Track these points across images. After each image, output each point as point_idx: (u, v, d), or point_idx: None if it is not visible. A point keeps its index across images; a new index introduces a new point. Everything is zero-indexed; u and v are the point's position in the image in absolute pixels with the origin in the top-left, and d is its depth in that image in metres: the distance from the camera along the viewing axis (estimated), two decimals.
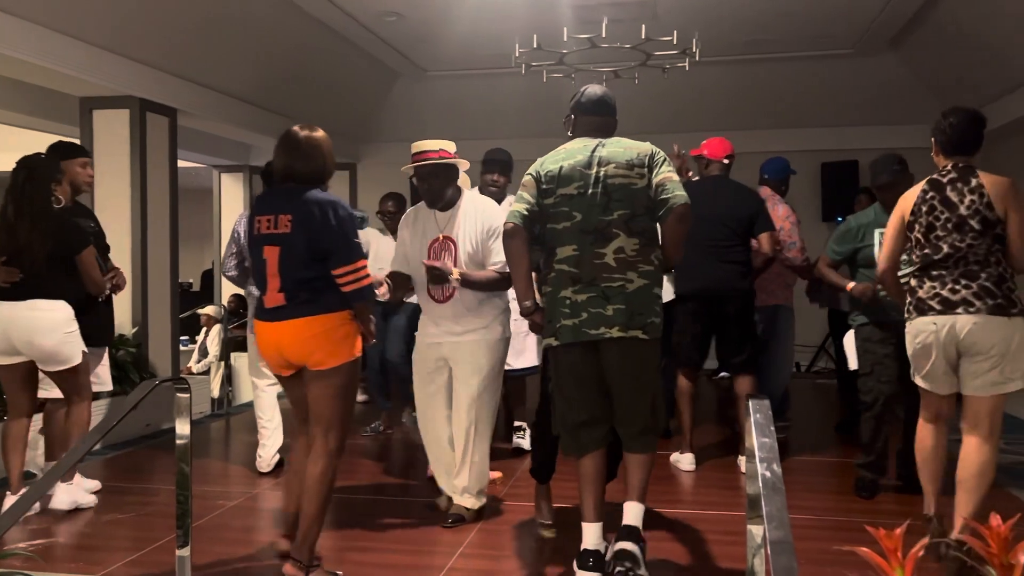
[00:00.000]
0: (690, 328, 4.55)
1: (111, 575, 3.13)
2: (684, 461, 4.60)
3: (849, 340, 4.19)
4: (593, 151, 3.05)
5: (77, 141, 5.87)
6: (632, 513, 3.01)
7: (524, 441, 4.87)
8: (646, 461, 3.06)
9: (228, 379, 7.86)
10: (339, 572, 3.05)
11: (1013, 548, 1.65)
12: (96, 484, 4.20)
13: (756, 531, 2.03)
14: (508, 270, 3.24)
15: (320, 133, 3.07)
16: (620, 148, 3.05)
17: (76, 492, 3.96)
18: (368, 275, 2.97)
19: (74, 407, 3.92)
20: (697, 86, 7.49)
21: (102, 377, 4.32)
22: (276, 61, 6.88)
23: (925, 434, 3.34)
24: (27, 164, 3.86)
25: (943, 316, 3.09)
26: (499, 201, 4.89)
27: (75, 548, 3.46)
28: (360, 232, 3.45)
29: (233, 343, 8.31)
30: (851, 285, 4.02)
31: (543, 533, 3.56)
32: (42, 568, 2.82)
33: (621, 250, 2.95)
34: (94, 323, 4.08)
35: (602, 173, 2.99)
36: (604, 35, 5.53)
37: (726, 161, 4.67)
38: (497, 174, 4.88)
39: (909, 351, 3.28)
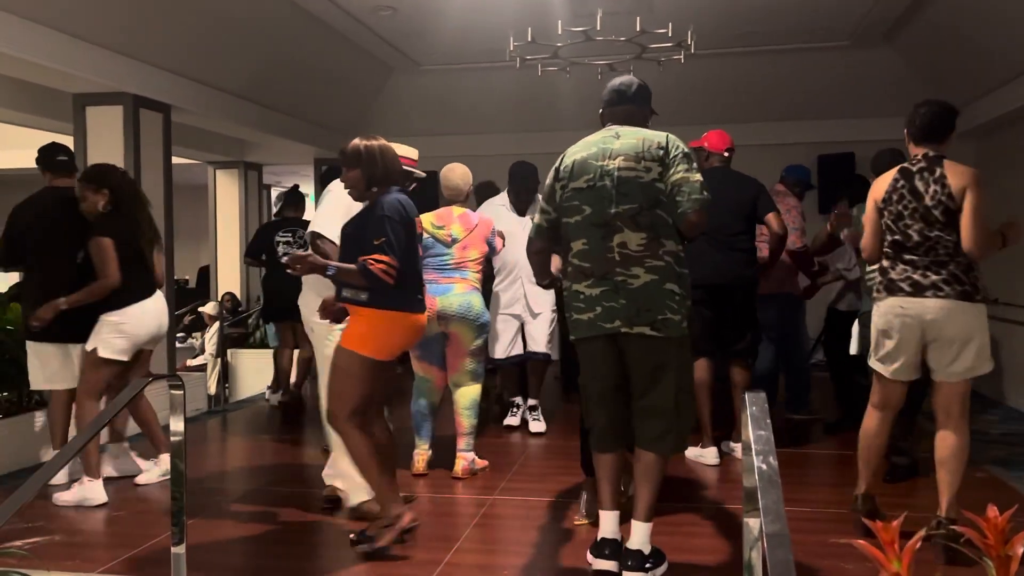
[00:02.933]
0: (698, 317, 4.51)
1: (107, 572, 3.12)
2: (708, 456, 4.57)
3: (855, 327, 4.28)
4: (607, 143, 3.02)
5: (71, 139, 5.88)
6: (639, 536, 2.91)
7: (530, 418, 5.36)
8: (657, 467, 2.93)
9: (225, 376, 7.84)
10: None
11: (1010, 540, 1.65)
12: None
13: (753, 524, 2.02)
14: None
15: (370, 142, 3.35)
16: (633, 140, 2.99)
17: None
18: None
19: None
20: (692, 79, 7.47)
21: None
22: (270, 56, 6.85)
23: (872, 420, 3.43)
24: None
25: (912, 299, 3.19)
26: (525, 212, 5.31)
27: (71, 545, 3.45)
28: None
29: (230, 340, 8.29)
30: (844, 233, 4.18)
31: (576, 522, 3.61)
32: (38, 566, 2.81)
33: (624, 245, 2.91)
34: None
35: (611, 166, 2.95)
36: (599, 28, 5.50)
37: (726, 153, 4.77)
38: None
39: (872, 332, 3.39)
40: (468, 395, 4.46)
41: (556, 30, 5.60)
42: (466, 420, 4.44)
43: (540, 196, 3.20)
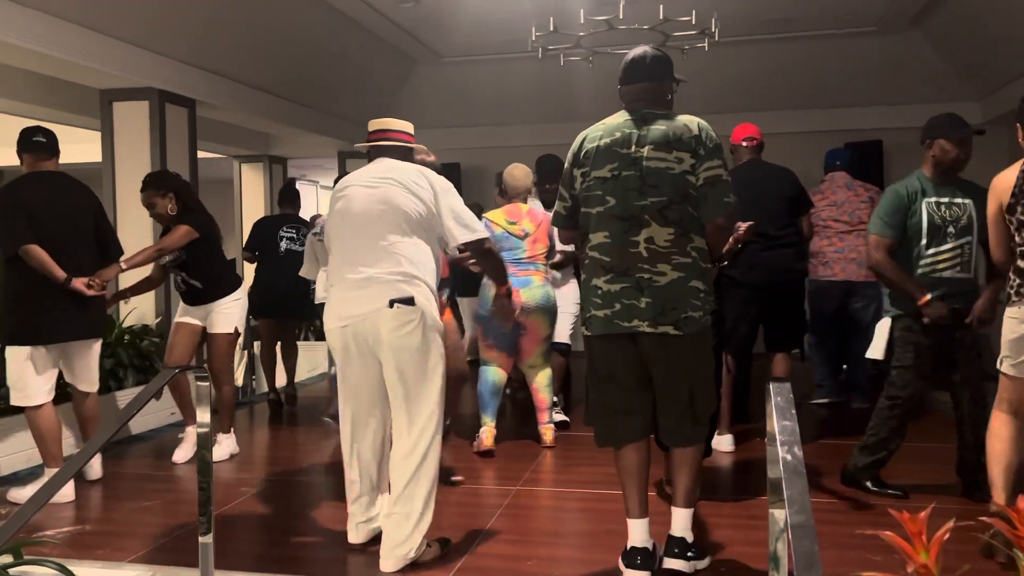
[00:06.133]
0: (746, 315, 4.50)
1: (137, 562, 3.17)
2: (724, 443, 4.60)
3: (883, 328, 3.86)
4: (633, 128, 2.81)
5: (99, 134, 5.95)
6: (680, 522, 2.84)
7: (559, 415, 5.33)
8: (689, 457, 2.85)
9: (252, 368, 7.88)
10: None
11: None
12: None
13: (778, 515, 2.01)
14: None
15: None
16: (662, 126, 2.77)
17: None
18: None
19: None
20: (717, 67, 7.40)
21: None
22: (294, 50, 6.89)
23: (1003, 426, 3.19)
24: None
25: None
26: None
27: (101, 535, 3.50)
28: None
29: (256, 332, 8.34)
30: (926, 299, 3.57)
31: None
32: (69, 555, 2.86)
33: (652, 240, 2.73)
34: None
35: (638, 155, 2.75)
36: (621, 16, 5.46)
37: (744, 143, 4.73)
38: (549, 184, 5.25)
39: (1010, 336, 3.11)
40: (545, 374, 4.81)
41: (578, 19, 5.57)
42: (547, 396, 4.80)
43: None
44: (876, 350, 3.82)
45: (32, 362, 3.90)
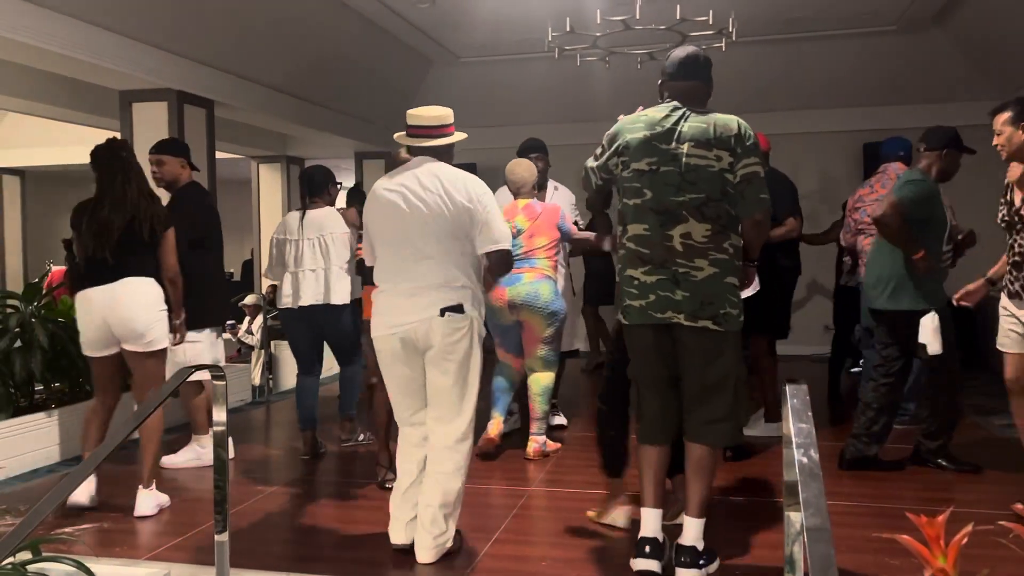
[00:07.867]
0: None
1: (153, 560, 3.19)
2: (773, 429, 4.68)
3: (932, 323, 3.86)
4: (674, 124, 2.84)
5: (118, 134, 6.00)
6: (691, 532, 2.83)
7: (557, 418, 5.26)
8: (706, 462, 2.84)
9: (269, 367, 7.93)
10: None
11: None
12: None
13: (794, 518, 1.99)
14: None
15: None
16: (702, 124, 2.82)
17: (158, 496, 3.82)
18: None
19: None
20: (734, 67, 7.33)
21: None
22: (311, 51, 6.91)
23: None
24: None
25: None
26: (542, 186, 5.08)
27: (118, 533, 3.53)
28: None
29: (273, 332, 8.39)
30: (921, 253, 3.83)
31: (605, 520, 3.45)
32: (86, 552, 2.88)
33: (689, 235, 2.79)
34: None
35: (678, 151, 2.80)
36: (638, 16, 5.45)
37: (769, 153, 4.87)
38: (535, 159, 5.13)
39: None
40: (540, 381, 4.59)
41: (595, 19, 5.56)
42: (538, 406, 4.57)
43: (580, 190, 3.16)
44: (934, 346, 3.86)
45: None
